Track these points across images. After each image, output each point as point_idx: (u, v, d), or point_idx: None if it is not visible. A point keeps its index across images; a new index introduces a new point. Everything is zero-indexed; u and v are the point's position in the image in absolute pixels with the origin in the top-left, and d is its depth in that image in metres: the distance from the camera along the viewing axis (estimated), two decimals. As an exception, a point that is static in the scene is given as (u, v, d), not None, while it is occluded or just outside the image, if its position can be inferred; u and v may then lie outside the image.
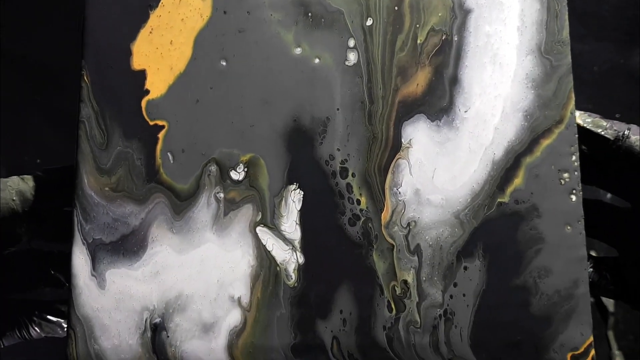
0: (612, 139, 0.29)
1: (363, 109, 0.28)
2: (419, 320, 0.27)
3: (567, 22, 0.28)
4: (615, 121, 0.30)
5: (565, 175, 0.27)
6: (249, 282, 0.27)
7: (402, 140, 0.28)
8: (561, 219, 0.27)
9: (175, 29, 0.28)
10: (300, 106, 0.28)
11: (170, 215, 0.28)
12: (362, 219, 0.28)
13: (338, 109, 0.28)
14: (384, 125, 0.28)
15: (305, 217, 0.28)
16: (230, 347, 0.27)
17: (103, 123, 0.28)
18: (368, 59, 0.28)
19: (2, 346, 0.35)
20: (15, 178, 0.32)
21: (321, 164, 0.28)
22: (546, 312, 0.27)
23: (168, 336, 0.27)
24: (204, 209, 0.28)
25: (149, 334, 0.27)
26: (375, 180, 0.28)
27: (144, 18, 0.28)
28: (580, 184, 0.27)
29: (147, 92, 0.28)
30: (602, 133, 0.30)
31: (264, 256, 0.28)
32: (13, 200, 0.32)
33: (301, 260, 0.28)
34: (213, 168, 0.28)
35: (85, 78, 0.28)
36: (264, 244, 0.28)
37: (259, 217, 0.28)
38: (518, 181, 0.27)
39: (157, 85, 0.28)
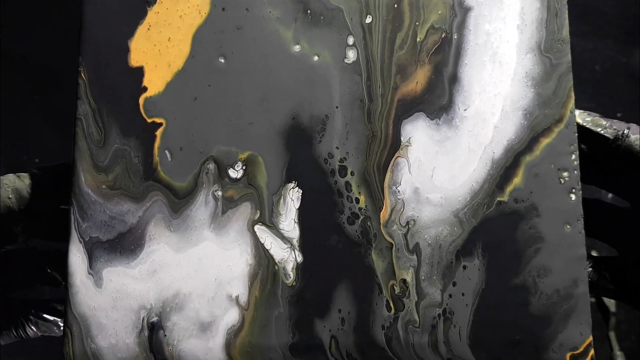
0: (611, 138, 0.29)
1: (362, 107, 0.28)
2: (417, 319, 0.27)
3: (567, 21, 0.28)
4: (614, 120, 0.30)
5: (565, 174, 0.27)
6: (247, 280, 0.27)
7: (402, 138, 0.28)
8: (561, 218, 0.27)
9: (173, 26, 0.28)
10: (299, 104, 0.28)
11: (167, 213, 0.28)
12: (361, 217, 0.27)
13: (337, 107, 0.28)
14: (383, 124, 0.28)
15: (304, 216, 0.27)
16: (228, 346, 0.27)
17: (100, 120, 0.28)
18: (367, 56, 0.28)
19: (-1, 345, 0.34)
20: (11, 176, 0.32)
21: (320, 162, 0.28)
22: (545, 311, 0.27)
23: (165, 335, 0.27)
24: (201, 207, 0.28)
25: (146, 332, 0.27)
26: (374, 178, 0.27)
27: (142, 15, 0.28)
28: (579, 183, 0.27)
29: (145, 89, 0.28)
30: (602, 132, 0.29)
31: (262, 255, 0.27)
32: (9, 198, 0.32)
33: (299, 259, 0.27)
34: (211, 166, 0.28)
35: (82, 75, 0.28)
36: (262, 242, 0.27)
37: (257, 215, 0.28)
38: (517, 180, 0.27)
39: (154, 83, 0.28)
